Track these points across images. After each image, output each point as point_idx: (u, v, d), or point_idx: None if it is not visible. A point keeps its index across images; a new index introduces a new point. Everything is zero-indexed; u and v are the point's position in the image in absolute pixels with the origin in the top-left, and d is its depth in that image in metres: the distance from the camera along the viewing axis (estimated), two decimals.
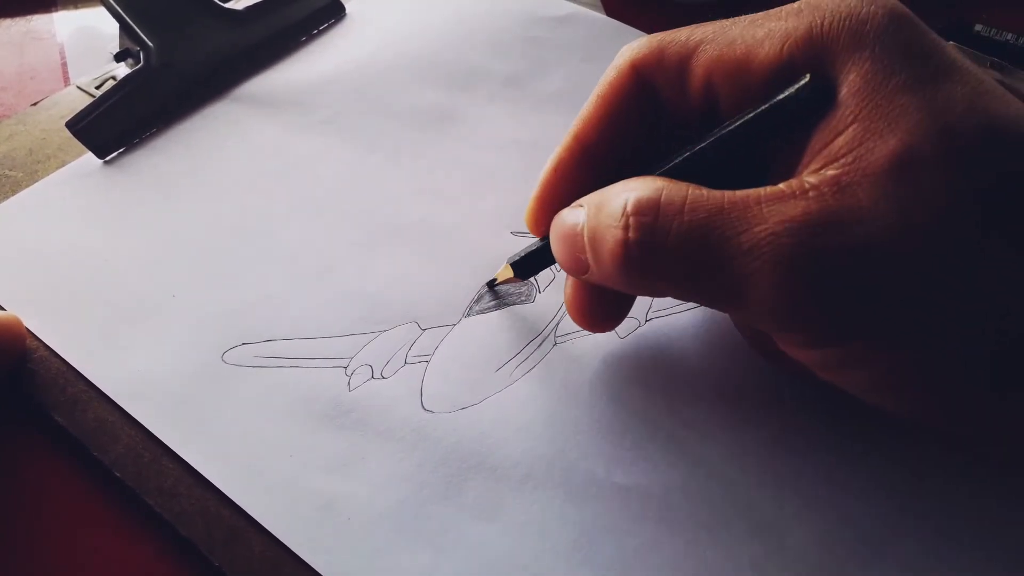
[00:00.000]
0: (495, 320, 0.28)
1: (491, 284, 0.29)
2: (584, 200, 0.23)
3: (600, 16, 0.42)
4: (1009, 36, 0.40)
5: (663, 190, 0.20)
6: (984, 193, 0.17)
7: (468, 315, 0.29)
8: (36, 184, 0.32)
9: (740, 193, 0.19)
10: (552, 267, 0.30)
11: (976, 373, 0.18)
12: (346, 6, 0.41)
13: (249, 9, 0.38)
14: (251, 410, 0.26)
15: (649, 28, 0.40)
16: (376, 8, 0.41)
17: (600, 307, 0.25)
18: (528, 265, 0.27)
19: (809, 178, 0.19)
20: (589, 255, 0.22)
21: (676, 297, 0.21)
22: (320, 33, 0.40)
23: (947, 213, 0.17)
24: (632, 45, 0.23)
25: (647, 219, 0.20)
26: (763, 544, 0.23)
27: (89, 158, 0.33)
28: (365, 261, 0.30)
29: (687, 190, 0.20)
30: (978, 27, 0.41)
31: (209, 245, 0.30)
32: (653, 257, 0.20)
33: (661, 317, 0.28)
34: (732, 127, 0.21)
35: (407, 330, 0.28)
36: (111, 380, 0.26)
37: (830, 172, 0.18)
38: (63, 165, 0.33)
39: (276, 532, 0.23)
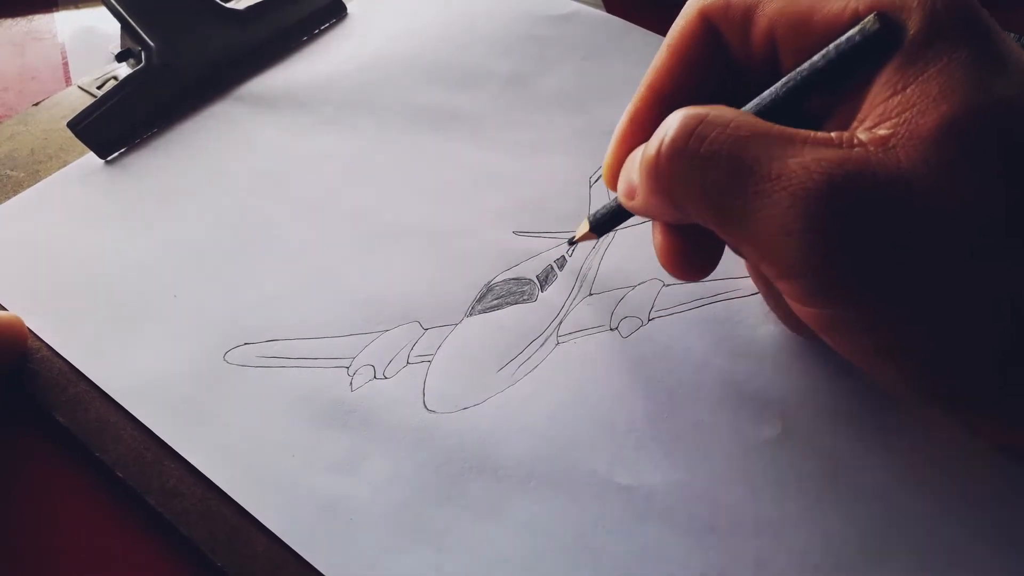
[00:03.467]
0: (497, 319, 0.28)
1: (571, 241, 0.30)
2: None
3: (602, 14, 0.41)
4: (1012, 35, 0.40)
5: (713, 109, 0.20)
6: (1014, 183, 0.18)
7: (470, 315, 0.28)
8: (38, 184, 0.32)
9: (790, 128, 0.19)
10: (553, 264, 0.30)
11: (983, 346, 0.19)
12: (347, 6, 0.41)
13: (250, 9, 0.38)
14: (253, 410, 0.26)
15: (651, 26, 0.40)
16: (377, 8, 0.41)
17: (688, 251, 0.24)
18: (605, 221, 0.27)
19: (860, 134, 0.19)
20: (635, 175, 0.22)
21: (698, 218, 0.21)
22: (321, 33, 0.40)
23: (979, 190, 0.18)
24: None
25: (691, 123, 0.20)
26: (766, 544, 0.23)
27: (91, 158, 0.33)
28: (367, 261, 0.30)
29: (737, 114, 0.20)
30: None
31: (211, 245, 0.30)
32: (683, 158, 0.20)
33: (663, 317, 0.28)
34: (797, 78, 0.21)
35: (409, 330, 0.28)
36: (113, 380, 0.26)
37: (880, 132, 0.18)
38: (65, 165, 0.33)
39: (278, 532, 0.23)
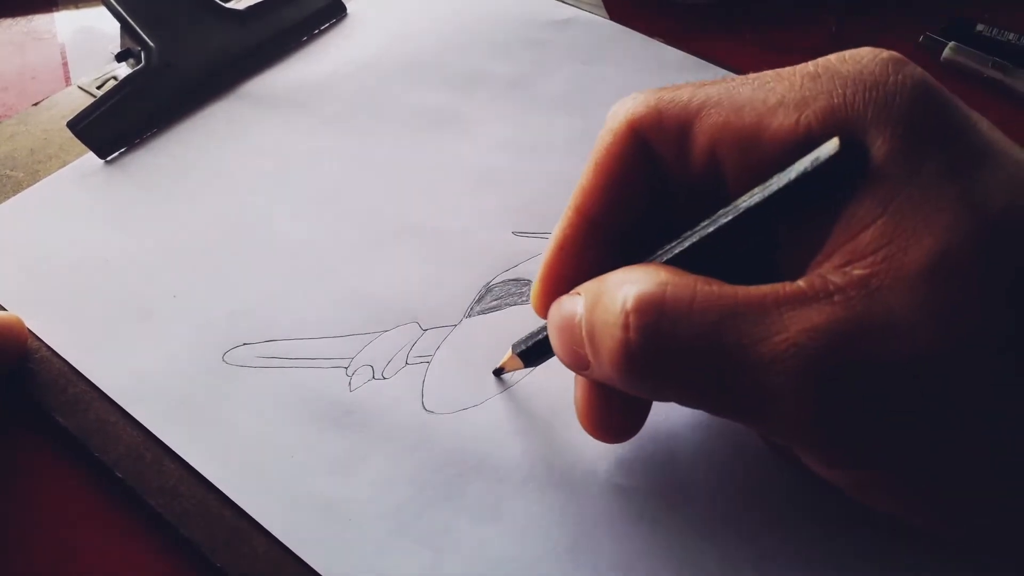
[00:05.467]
0: (496, 320, 0.28)
1: (497, 372, 0.27)
2: (582, 288, 0.21)
3: (601, 19, 0.41)
4: (1011, 36, 0.40)
5: (667, 285, 0.18)
6: (1017, 304, 0.16)
7: (469, 315, 0.29)
8: (37, 184, 0.32)
9: (755, 291, 0.17)
10: None
11: (1014, 498, 0.17)
12: (347, 6, 0.41)
13: (250, 9, 0.38)
14: (252, 410, 0.26)
15: (651, 30, 0.40)
16: (377, 9, 0.41)
17: (615, 414, 0.23)
18: (535, 353, 0.25)
19: (833, 277, 0.17)
20: (588, 352, 0.20)
21: (685, 405, 0.20)
22: (321, 33, 0.40)
23: (987, 320, 0.16)
24: (626, 104, 0.21)
25: (650, 319, 0.18)
26: (765, 545, 0.23)
27: (90, 158, 0.33)
28: (366, 261, 0.30)
29: (695, 285, 0.18)
30: (980, 27, 0.41)
31: (210, 245, 0.30)
32: (658, 362, 0.18)
33: None
34: (746, 206, 0.18)
35: (408, 330, 0.28)
36: (112, 380, 0.26)
37: (857, 272, 0.16)
38: (64, 165, 0.33)
39: (277, 533, 0.23)
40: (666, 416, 0.26)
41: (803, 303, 0.17)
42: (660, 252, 0.20)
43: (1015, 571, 0.22)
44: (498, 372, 0.27)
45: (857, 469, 0.18)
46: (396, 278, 0.30)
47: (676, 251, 0.20)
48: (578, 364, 0.21)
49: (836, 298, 0.16)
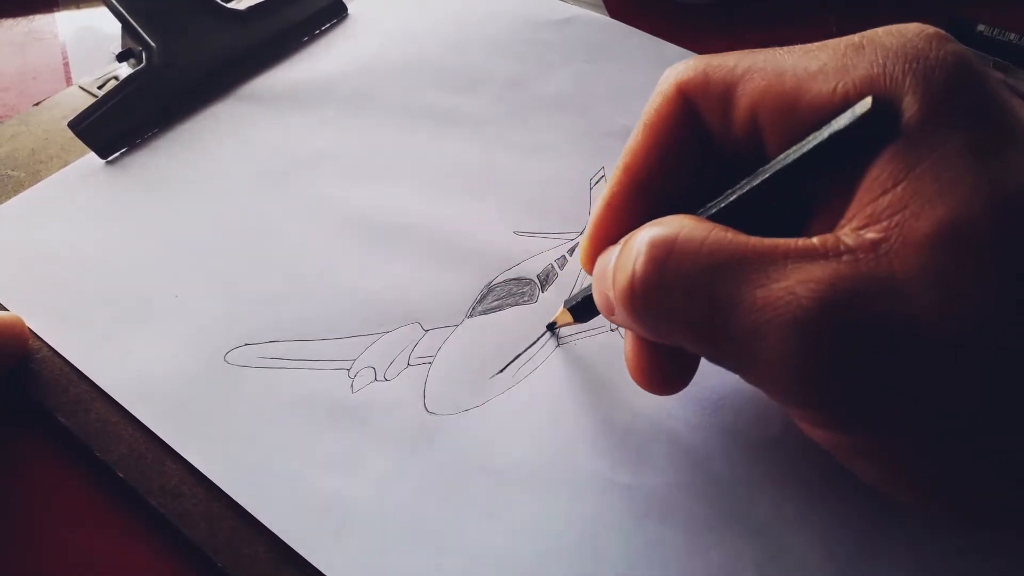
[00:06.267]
0: (498, 320, 0.28)
1: (550, 327, 0.28)
2: (623, 239, 0.21)
3: (602, 18, 0.42)
4: (1012, 36, 0.40)
5: (683, 228, 0.19)
6: None
7: (471, 316, 0.29)
8: (38, 184, 0.32)
9: (768, 241, 0.18)
10: (554, 263, 0.30)
11: (1006, 473, 0.17)
12: (348, 6, 0.41)
13: (251, 9, 0.38)
14: (254, 411, 0.26)
15: (651, 29, 0.40)
16: (378, 9, 0.41)
17: (660, 365, 0.23)
18: (584, 308, 0.26)
19: (846, 238, 0.17)
20: (611, 292, 0.21)
21: (684, 346, 0.20)
22: (322, 33, 0.40)
23: (992, 298, 0.16)
24: (677, 67, 0.22)
25: (659, 254, 0.19)
26: (765, 544, 0.23)
27: (91, 158, 0.33)
28: (368, 262, 0.30)
29: (710, 231, 0.18)
30: (981, 27, 0.41)
31: (211, 245, 0.30)
32: (658, 295, 0.19)
33: None
34: (783, 164, 0.19)
35: (410, 331, 0.28)
36: (114, 380, 0.26)
37: (869, 235, 0.17)
38: (65, 165, 0.33)
39: (279, 532, 0.23)
40: (670, 414, 0.26)
41: (811, 258, 0.17)
42: (701, 210, 0.21)
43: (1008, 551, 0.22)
44: (551, 327, 0.28)
45: (842, 432, 0.18)
46: (397, 278, 0.30)
47: (715, 209, 0.20)
48: (607, 307, 0.22)
49: (844, 258, 0.17)
